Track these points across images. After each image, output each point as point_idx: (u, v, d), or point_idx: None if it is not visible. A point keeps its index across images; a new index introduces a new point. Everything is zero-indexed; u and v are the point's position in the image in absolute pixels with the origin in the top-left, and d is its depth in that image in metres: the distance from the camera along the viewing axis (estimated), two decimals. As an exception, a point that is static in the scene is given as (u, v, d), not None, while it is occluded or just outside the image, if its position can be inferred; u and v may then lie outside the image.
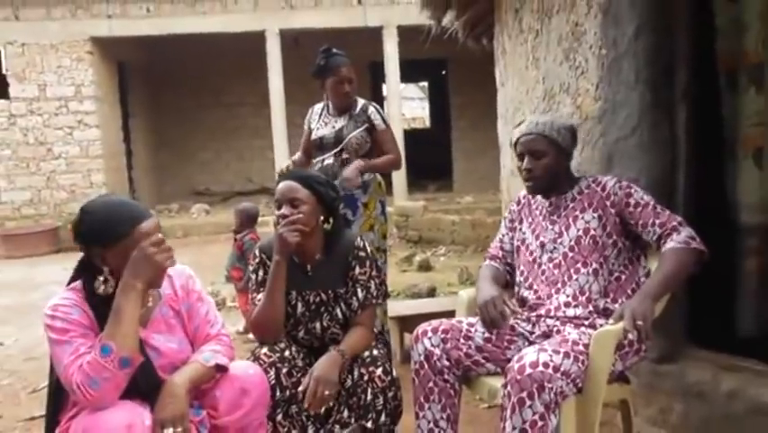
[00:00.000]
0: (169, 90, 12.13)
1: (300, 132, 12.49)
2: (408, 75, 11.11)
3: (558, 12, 2.98)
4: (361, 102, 3.36)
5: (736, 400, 2.35)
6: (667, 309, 2.32)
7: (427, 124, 19.79)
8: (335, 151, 3.28)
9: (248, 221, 4.46)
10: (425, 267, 6.48)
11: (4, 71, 9.91)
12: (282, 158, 10.26)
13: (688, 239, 2.00)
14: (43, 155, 10.00)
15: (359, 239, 2.29)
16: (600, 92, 2.72)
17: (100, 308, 1.68)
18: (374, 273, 2.25)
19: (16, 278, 7.29)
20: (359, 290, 2.21)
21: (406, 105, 19.17)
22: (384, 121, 3.34)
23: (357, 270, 2.22)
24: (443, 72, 13.99)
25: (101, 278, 1.69)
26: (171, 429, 1.62)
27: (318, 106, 3.50)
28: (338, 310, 2.22)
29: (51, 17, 9.82)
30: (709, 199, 2.68)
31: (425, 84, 19.28)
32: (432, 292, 5.08)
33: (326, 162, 3.31)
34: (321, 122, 3.41)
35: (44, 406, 3.12)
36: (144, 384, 1.69)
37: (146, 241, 1.66)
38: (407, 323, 3.53)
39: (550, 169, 2.16)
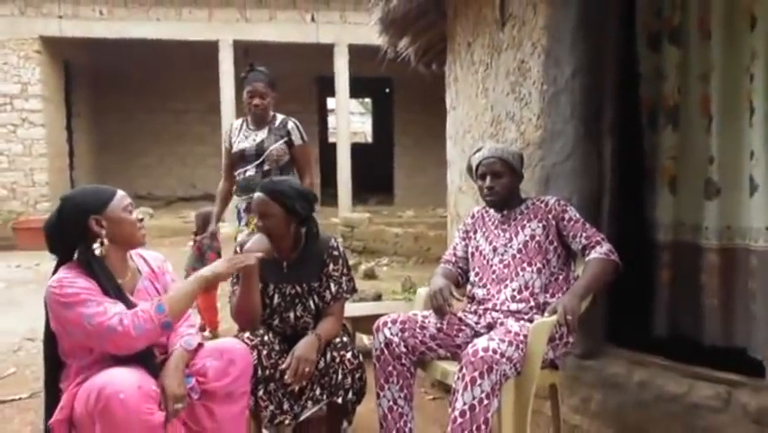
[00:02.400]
0: (114, 92, 12.01)
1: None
2: (353, 91, 11.43)
3: (507, 49, 3.34)
4: (280, 117, 3.63)
5: (646, 389, 2.75)
6: (590, 314, 2.71)
7: (367, 138, 20.12)
8: (257, 162, 3.53)
9: (207, 224, 4.65)
10: (370, 275, 6.77)
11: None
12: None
13: (608, 252, 2.43)
14: (-16, 152, 9.80)
15: (333, 240, 2.59)
16: (541, 122, 3.08)
17: (99, 278, 1.92)
18: (345, 271, 2.55)
19: (-45, 275, 7.16)
20: (332, 284, 2.51)
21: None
22: (302, 138, 3.60)
23: (331, 267, 2.52)
24: (387, 90, 14.38)
25: (97, 242, 1.95)
26: (180, 405, 1.90)
27: (237, 122, 3.75)
28: (311, 302, 2.51)
29: (-1, 14, 9.67)
30: (633, 219, 3.10)
31: (367, 100, 19.63)
32: (378, 298, 5.37)
33: (248, 174, 3.57)
34: (241, 135, 3.66)
35: (11, 392, 3.33)
36: None
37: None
38: (358, 323, 3.85)
39: (507, 186, 2.58)
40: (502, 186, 2.57)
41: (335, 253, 2.54)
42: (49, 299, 1.90)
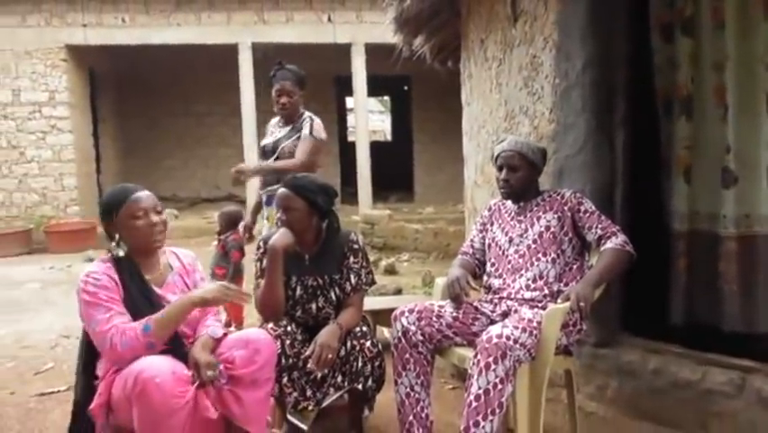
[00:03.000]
0: (137, 97, 12.25)
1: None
2: (371, 89, 11.50)
3: (519, 45, 3.40)
4: (306, 115, 3.65)
5: (660, 376, 2.82)
6: (605, 303, 2.77)
7: (387, 136, 20.19)
8: (273, 158, 3.58)
9: (230, 224, 4.77)
10: (391, 271, 6.84)
11: (-23, 76, 9.97)
12: (253, 164, 10.54)
13: (623, 243, 2.49)
14: (16, 159, 10.04)
15: (353, 234, 2.69)
16: (554, 116, 3.13)
17: (123, 269, 2.10)
18: (364, 264, 2.65)
19: (-6, 277, 7.41)
20: (352, 276, 2.61)
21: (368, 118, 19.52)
22: (311, 132, 3.58)
23: (351, 259, 2.62)
24: (405, 88, 14.44)
25: (113, 243, 2.14)
26: (212, 372, 2.03)
27: (274, 120, 3.80)
28: (332, 293, 2.61)
29: (26, 24, 9.90)
30: (648, 209, 3.14)
31: (386, 98, 19.71)
32: (398, 292, 5.46)
33: None
34: (269, 132, 3.75)
35: (50, 385, 3.49)
36: None
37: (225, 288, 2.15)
38: (379, 316, 3.93)
39: (522, 180, 2.63)
40: (517, 179, 2.63)
41: (355, 246, 2.65)
42: (78, 291, 2.07)
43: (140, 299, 2.10)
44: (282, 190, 2.58)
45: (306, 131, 3.57)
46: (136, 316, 2.06)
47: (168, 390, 1.87)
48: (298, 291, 2.61)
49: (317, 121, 3.67)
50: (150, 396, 1.85)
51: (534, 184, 2.70)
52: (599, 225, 2.53)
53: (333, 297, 2.61)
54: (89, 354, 2.14)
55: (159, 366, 1.91)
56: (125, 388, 1.90)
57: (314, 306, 2.61)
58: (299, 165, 3.45)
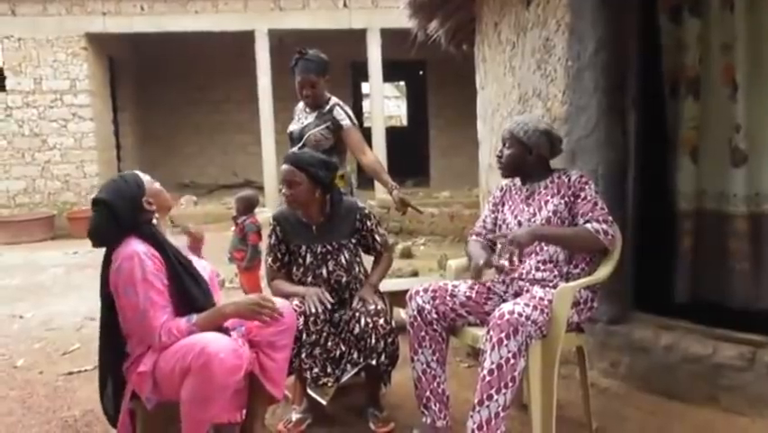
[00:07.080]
0: (155, 85, 12.37)
1: (282, 127, 12.76)
2: (387, 75, 11.50)
3: (532, 28, 3.43)
4: (332, 101, 3.59)
5: (671, 352, 2.87)
6: (617, 282, 2.81)
7: (403, 122, 20.15)
8: (299, 145, 3.55)
9: (248, 207, 4.86)
10: (407, 254, 6.89)
11: (0, 65, 10.13)
12: (269, 151, 10.65)
13: (600, 229, 2.45)
14: (38, 146, 10.23)
15: (359, 203, 2.91)
16: (566, 97, 3.17)
17: (164, 247, 2.19)
18: (378, 226, 2.91)
19: (19, 262, 7.58)
20: (377, 237, 2.85)
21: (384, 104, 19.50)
22: (351, 120, 3.53)
23: (368, 223, 2.84)
24: (421, 73, 14.42)
25: (156, 216, 2.27)
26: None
27: (301, 103, 3.73)
28: (342, 258, 2.77)
29: (47, 13, 10.05)
30: (655, 188, 3.19)
31: (401, 83, 19.66)
32: (414, 275, 5.53)
33: None
34: (296, 117, 3.73)
35: (77, 364, 3.60)
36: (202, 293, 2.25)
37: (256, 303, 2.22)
38: (395, 298, 4.00)
39: (512, 158, 2.65)
40: (507, 157, 2.65)
41: (365, 212, 2.87)
42: (129, 263, 2.10)
43: (178, 267, 2.20)
44: (285, 166, 2.73)
45: (347, 122, 3.52)
46: (177, 283, 2.17)
47: (229, 366, 1.99)
48: (308, 259, 2.76)
49: (347, 108, 3.62)
50: (213, 370, 1.96)
51: (530, 164, 2.64)
52: (591, 214, 2.48)
53: (344, 260, 2.77)
54: (114, 333, 2.22)
55: (222, 342, 2.03)
56: (184, 360, 1.99)
57: (324, 270, 2.76)
58: (373, 157, 3.60)
